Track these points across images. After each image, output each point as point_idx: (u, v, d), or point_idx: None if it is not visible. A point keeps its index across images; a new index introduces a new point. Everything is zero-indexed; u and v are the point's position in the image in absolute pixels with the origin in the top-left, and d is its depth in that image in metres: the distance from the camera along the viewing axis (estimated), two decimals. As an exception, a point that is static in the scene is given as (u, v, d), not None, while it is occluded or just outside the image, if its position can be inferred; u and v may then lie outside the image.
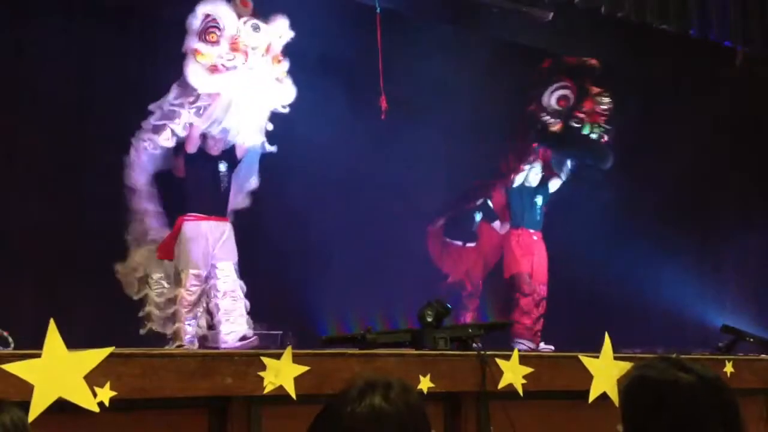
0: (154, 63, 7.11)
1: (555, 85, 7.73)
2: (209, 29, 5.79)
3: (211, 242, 5.95)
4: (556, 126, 7.70)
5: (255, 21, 5.89)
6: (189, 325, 5.86)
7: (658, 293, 8.48)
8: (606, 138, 7.78)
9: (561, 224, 7.96)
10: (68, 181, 6.74)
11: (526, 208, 7.77)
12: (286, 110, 6.09)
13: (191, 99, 5.96)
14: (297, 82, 6.78)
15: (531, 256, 7.67)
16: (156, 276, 6.18)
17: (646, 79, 8.60)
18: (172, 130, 6.03)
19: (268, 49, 5.93)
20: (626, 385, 2.14)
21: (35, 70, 6.62)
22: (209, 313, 6.05)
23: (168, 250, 5.99)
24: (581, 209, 8.03)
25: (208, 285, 5.98)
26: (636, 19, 6.92)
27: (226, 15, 5.82)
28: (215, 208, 6.04)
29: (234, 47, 5.80)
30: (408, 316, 7.10)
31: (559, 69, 7.82)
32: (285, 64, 6.06)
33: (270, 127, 6.12)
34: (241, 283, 6.07)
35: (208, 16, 5.82)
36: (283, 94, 6.06)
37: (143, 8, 7.09)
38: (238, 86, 5.88)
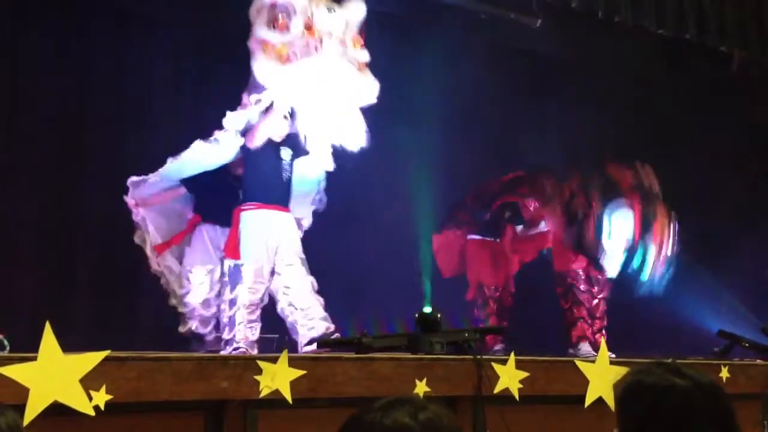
0: (153, 63, 7.12)
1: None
2: (277, 16, 5.10)
3: (276, 234, 5.37)
4: None
5: (329, 2, 5.18)
6: (250, 327, 5.25)
7: (655, 297, 8.46)
8: None
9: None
10: (67, 182, 6.73)
11: None
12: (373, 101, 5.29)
13: (259, 96, 5.30)
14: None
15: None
16: (197, 270, 5.75)
17: (642, 83, 8.61)
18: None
19: (344, 34, 5.18)
20: (622, 390, 2.15)
21: (34, 69, 6.62)
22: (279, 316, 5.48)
23: (233, 247, 5.37)
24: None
25: (273, 284, 5.38)
26: (633, 23, 6.93)
27: None
28: (277, 197, 5.44)
29: (307, 32, 5.07)
30: (406, 320, 7.10)
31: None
32: (365, 53, 5.24)
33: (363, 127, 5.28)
34: (312, 279, 5.53)
35: (274, 3, 5.15)
36: (368, 87, 5.21)
37: (143, 9, 7.10)
38: (315, 77, 5.12)
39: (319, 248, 7.37)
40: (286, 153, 5.50)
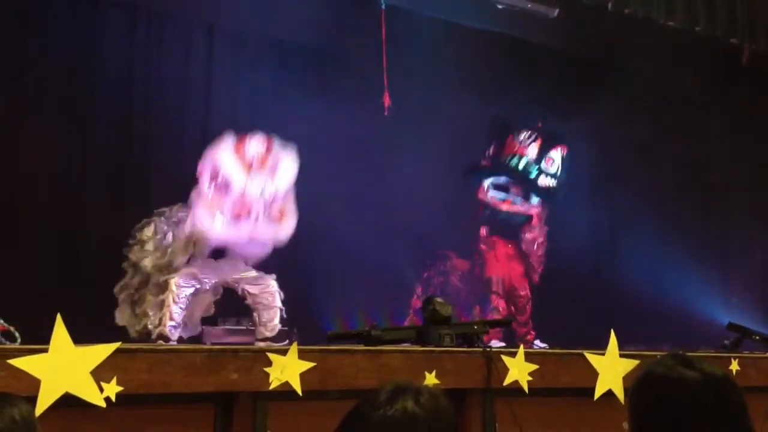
0: (158, 54, 7.13)
1: None
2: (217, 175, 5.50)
3: None
4: None
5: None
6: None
7: (665, 290, 8.46)
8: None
9: (565, 221, 7.95)
10: (72, 177, 6.75)
11: None
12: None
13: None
14: (296, 77, 6.81)
15: None
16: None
17: (652, 75, 8.58)
18: None
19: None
20: (633, 381, 2.15)
21: (40, 63, 6.63)
22: None
23: None
24: (585, 205, 8.01)
25: None
26: (643, 15, 6.90)
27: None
28: None
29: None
30: (414, 313, 7.11)
31: None
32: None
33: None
34: None
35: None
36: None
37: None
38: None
39: (327, 242, 7.41)
40: None
